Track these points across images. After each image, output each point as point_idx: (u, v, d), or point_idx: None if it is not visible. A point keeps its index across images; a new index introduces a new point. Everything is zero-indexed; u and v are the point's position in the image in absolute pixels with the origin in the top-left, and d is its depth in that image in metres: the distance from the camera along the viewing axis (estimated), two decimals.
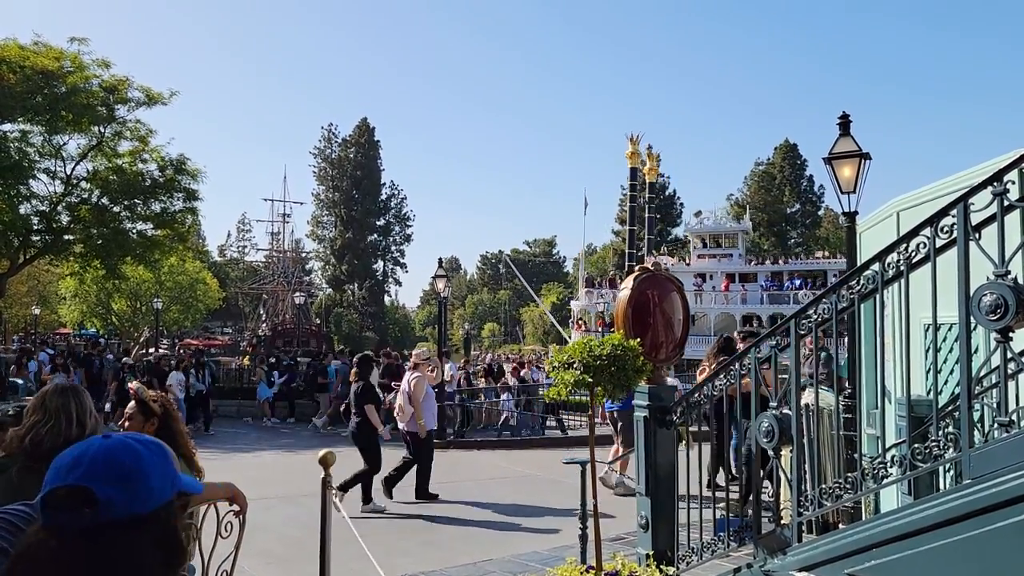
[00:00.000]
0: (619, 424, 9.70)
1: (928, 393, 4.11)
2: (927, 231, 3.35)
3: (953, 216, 3.20)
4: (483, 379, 22.24)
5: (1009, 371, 3.12)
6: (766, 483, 5.66)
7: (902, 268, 3.51)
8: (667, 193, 73.47)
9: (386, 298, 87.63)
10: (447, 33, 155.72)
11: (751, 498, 4.65)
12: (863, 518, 4.76)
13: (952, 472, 3.72)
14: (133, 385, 3.73)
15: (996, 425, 3.15)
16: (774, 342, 4.52)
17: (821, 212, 71.98)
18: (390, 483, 9.27)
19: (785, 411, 4.25)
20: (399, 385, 17.59)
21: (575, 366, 4.73)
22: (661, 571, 4.76)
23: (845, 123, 8.98)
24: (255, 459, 14.17)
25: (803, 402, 4.96)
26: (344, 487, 8.46)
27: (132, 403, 3.56)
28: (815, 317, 4.07)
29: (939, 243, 3.31)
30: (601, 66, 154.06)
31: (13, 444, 2.88)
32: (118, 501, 1.11)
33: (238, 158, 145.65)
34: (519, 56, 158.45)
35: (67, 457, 1.16)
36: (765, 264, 52.02)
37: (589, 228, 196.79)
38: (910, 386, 3.65)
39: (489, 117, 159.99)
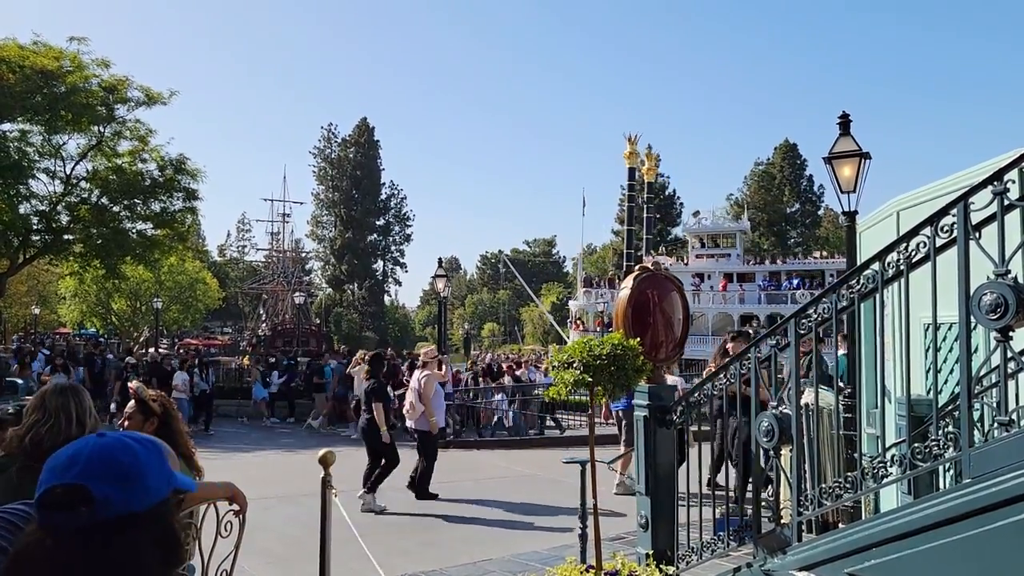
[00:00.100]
0: (623, 423, 9.71)
1: (928, 392, 4.11)
2: (927, 230, 3.35)
3: (953, 215, 3.20)
4: (483, 379, 22.23)
5: (1009, 370, 3.12)
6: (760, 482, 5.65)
7: (902, 267, 3.51)
8: (667, 193, 73.46)
9: (386, 298, 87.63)
10: (447, 33, 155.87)
11: (750, 496, 4.65)
12: (863, 517, 4.76)
13: (952, 471, 3.72)
14: (133, 384, 3.72)
15: (996, 424, 3.15)
16: (774, 341, 4.52)
17: (821, 212, 71.99)
18: (368, 480, 9.26)
19: (784, 410, 4.25)
20: (396, 384, 17.67)
21: (575, 366, 4.73)
22: (661, 570, 4.76)
23: (845, 123, 8.99)
24: (255, 459, 14.16)
25: (803, 402, 4.96)
26: (371, 487, 8.79)
27: (132, 402, 3.56)
28: (815, 317, 4.07)
29: (939, 242, 3.31)
30: (601, 66, 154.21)
31: (13, 443, 2.88)
32: (115, 499, 1.10)
33: (238, 158, 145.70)
34: (519, 56, 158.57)
35: (62, 456, 1.16)
36: (763, 264, 52.04)
37: (589, 228, 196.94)
38: (910, 385, 3.65)
39: (489, 117, 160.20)
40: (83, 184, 24.41)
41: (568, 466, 6.03)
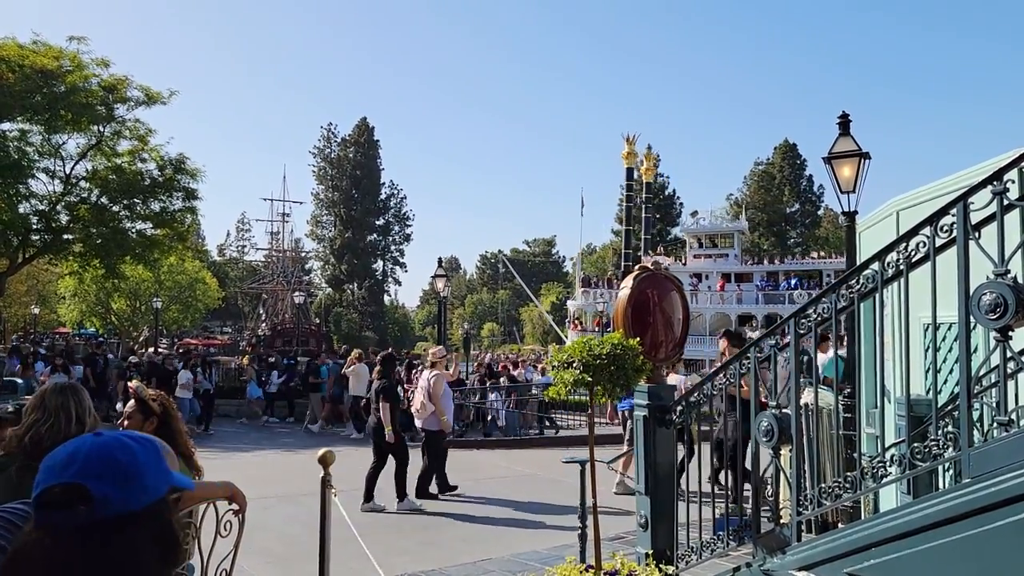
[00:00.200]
0: (627, 422, 9.73)
1: (927, 392, 4.11)
2: (927, 230, 3.35)
3: (953, 215, 3.20)
4: (489, 380, 22.17)
5: (1008, 370, 3.12)
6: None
7: (902, 267, 3.51)
8: (667, 193, 73.43)
9: (386, 298, 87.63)
10: (447, 34, 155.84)
11: (747, 495, 4.65)
12: (862, 517, 4.77)
13: (951, 471, 3.72)
14: (132, 384, 3.73)
15: (995, 424, 3.15)
16: (773, 341, 4.52)
17: (821, 212, 72.00)
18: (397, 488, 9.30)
19: (784, 410, 4.26)
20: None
21: (575, 365, 4.73)
22: (660, 570, 4.76)
23: (845, 123, 9.00)
24: (255, 458, 14.16)
25: (802, 401, 4.96)
26: (400, 494, 8.92)
27: (131, 402, 3.55)
28: (815, 317, 4.07)
29: (939, 242, 3.31)
30: (601, 66, 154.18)
31: (12, 443, 2.88)
32: (113, 498, 1.10)
33: (237, 157, 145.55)
34: (518, 56, 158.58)
35: (60, 455, 1.15)
36: (761, 264, 52.08)
37: (589, 228, 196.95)
38: (909, 385, 3.65)
39: (489, 117, 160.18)
40: (83, 184, 24.40)
41: (568, 466, 6.03)
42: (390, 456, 9.12)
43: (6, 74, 21.10)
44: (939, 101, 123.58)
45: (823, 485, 4.04)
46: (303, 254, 77.90)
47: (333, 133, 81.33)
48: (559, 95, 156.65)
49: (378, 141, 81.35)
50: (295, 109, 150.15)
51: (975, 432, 3.40)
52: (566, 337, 50.88)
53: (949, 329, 4.15)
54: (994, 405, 3.34)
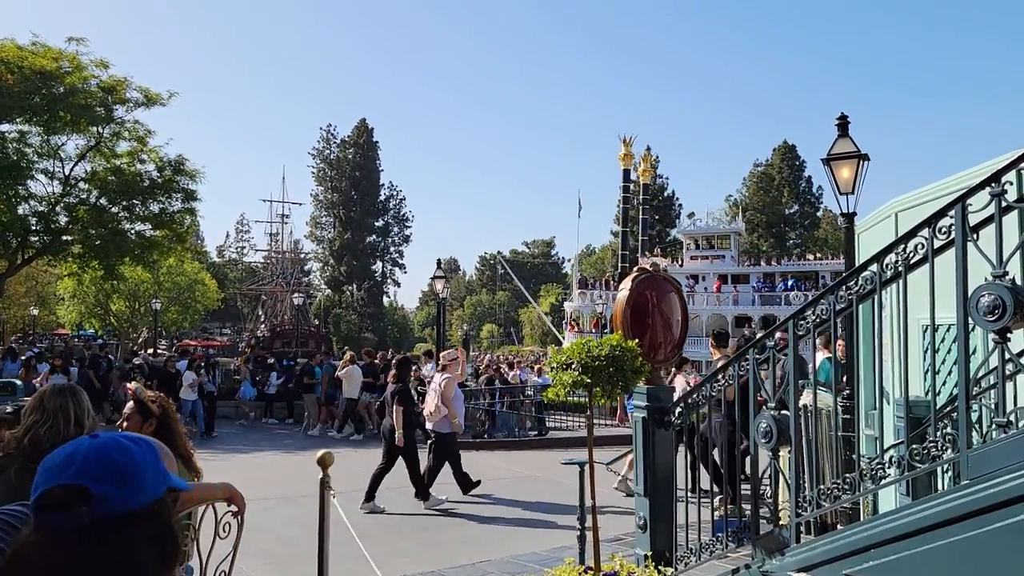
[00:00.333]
0: None
1: (926, 394, 4.11)
2: (925, 232, 3.36)
3: (951, 217, 3.21)
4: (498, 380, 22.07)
5: (1007, 372, 3.12)
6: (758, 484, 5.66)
7: (900, 269, 3.51)
8: (666, 194, 73.45)
9: (385, 299, 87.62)
10: (447, 34, 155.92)
11: (741, 495, 4.66)
12: (861, 519, 4.77)
13: (950, 473, 3.72)
14: (131, 385, 3.72)
15: (994, 426, 3.15)
16: (772, 343, 4.52)
17: (820, 213, 72.03)
18: (418, 487, 9.35)
19: (783, 412, 4.26)
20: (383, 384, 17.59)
21: (573, 367, 4.73)
22: (659, 572, 4.77)
23: (844, 124, 9.00)
24: (253, 460, 14.15)
25: (801, 403, 4.96)
26: (422, 495, 9.07)
27: (130, 403, 3.55)
28: (813, 318, 4.07)
29: (937, 244, 3.31)
30: (601, 67, 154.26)
31: (11, 444, 2.88)
32: (113, 497, 1.11)
33: (236, 159, 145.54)
34: (518, 57, 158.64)
35: (57, 457, 1.16)
36: (758, 265, 52.14)
37: (589, 229, 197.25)
38: (908, 387, 3.65)
39: (488, 118, 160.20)
40: (82, 185, 24.38)
41: (567, 467, 6.04)
42: (399, 460, 9.18)
43: (5, 75, 21.09)
44: (939, 101, 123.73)
45: (822, 487, 4.04)
46: (302, 255, 78.00)
47: (332, 134, 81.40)
48: (559, 95, 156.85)
49: (377, 142, 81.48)
50: (295, 109, 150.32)
51: (974, 434, 3.40)
52: (563, 339, 50.93)
53: (948, 331, 4.16)
54: (993, 407, 3.34)
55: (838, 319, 3.99)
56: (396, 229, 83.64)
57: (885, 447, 4.12)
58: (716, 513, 5.30)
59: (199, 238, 66.84)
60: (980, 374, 3.47)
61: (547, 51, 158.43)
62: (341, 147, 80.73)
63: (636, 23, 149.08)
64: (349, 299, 79.89)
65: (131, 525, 1.12)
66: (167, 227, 25.25)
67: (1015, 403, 3.65)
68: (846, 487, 3.77)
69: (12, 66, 21.32)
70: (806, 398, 5.63)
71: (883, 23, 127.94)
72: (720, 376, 4.86)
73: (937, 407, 3.45)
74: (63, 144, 23.79)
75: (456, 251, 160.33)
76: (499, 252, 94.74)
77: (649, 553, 5.05)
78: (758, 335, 5.22)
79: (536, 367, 24.31)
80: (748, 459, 4.81)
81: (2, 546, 1.30)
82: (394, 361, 10.96)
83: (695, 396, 5.09)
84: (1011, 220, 3.07)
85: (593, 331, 42.75)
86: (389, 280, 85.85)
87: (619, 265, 48.29)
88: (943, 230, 3.26)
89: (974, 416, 3.55)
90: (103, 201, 24.31)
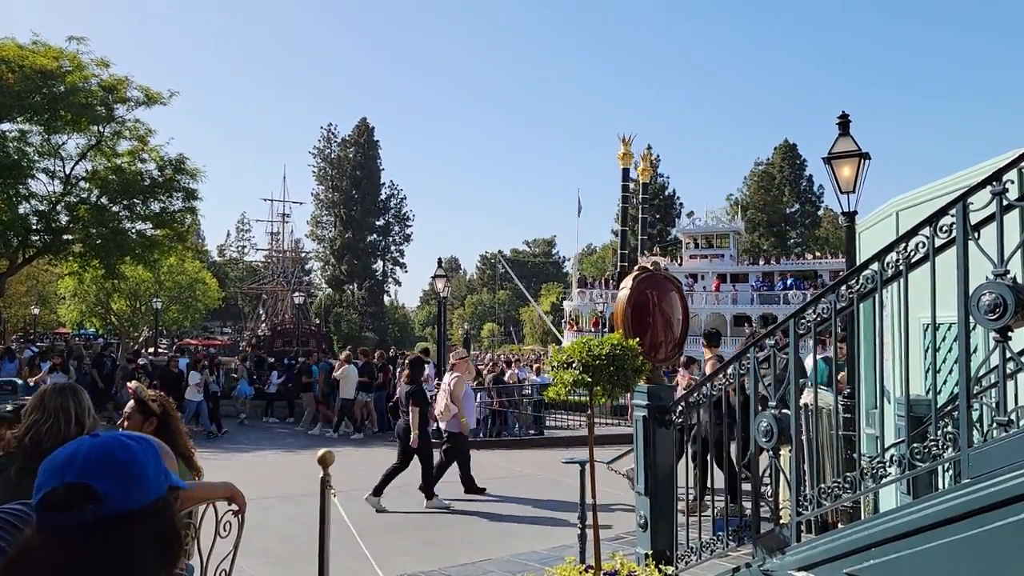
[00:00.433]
0: None
1: (927, 393, 4.11)
2: (926, 231, 3.36)
3: (952, 216, 3.20)
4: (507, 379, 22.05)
5: (1008, 371, 3.12)
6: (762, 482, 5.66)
7: (901, 268, 3.51)
8: (667, 193, 73.43)
9: (385, 298, 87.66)
10: (447, 34, 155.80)
11: (742, 495, 4.66)
12: (862, 518, 4.77)
13: (951, 471, 3.72)
14: (132, 384, 3.72)
15: (995, 425, 3.15)
16: (773, 341, 4.52)
17: (820, 212, 72.01)
18: (426, 485, 9.36)
19: (784, 411, 4.26)
20: (385, 383, 17.58)
21: (574, 366, 4.73)
22: (660, 571, 4.76)
23: (844, 123, 9.00)
24: (254, 459, 14.16)
25: (802, 402, 4.96)
26: (428, 493, 9.08)
27: (131, 402, 3.55)
28: (814, 317, 4.07)
29: (938, 243, 3.31)
30: (601, 66, 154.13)
31: (12, 443, 2.88)
32: (115, 496, 1.10)
33: (237, 158, 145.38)
34: (517, 57, 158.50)
35: (58, 457, 1.16)
36: (757, 264, 52.11)
37: (590, 228, 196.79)
38: (909, 386, 3.65)
39: (489, 117, 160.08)
40: (82, 184, 24.36)
41: (567, 466, 6.04)
42: (414, 459, 9.21)
43: (6, 74, 21.08)
44: (939, 101, 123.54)
45: (823, 485, 4.04)
46: (303, 254, 78.06)
47: (333, 133, 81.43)
48: (559, 95, 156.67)
49: (378, 141, 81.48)
50: (295, 109, 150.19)
51: (975, 432, 3.40)
52: (563, 338, 50.92)
53: (949, 329, 4.15)
54: (993, 405, 3.34)
55: (838, 318, 4.00)
56: (397, 228, 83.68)
57: (886, 446, 4.12)
58: (717, 511, 5.30)
59: (200, 237, 66.80)
60: (981, 373, 3.48)
61: (547, 51, 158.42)
62: (342, 146, 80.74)
63: (636, 23, 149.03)
64: (350, 298, 79.91)
65: (133, 524, 1.12)
66: (168, 226, 25.24)
67: (1016, 402, 3.65)
68: (847, 486, 3.77)
69: (13, 65, 21.31)
70: (807, 397, 5.63)
71: (883, 23, 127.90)
72: (720, 376, 4.86)
73: (938, 406, 3.45)
74: (64, 143, 23.79)
75: (457, 250, 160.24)
76: (500, 251, 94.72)
77: (650, 552, 5.05)
78: (760, 334, 5.22)
79: (535, 366, 24.31)
80: (740, 457, 4.81)
81: (3, 545, 1.30)
82: (406, 361, 10.94)
83: (695, 396, 5.09)
84: (1012, 219, 3.07)
85: (592, 330, 42.73)
86: (390, 279, 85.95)
87: (619, 264, 48.32)
88: (944, 229, 3.26)
89: (975, 415, 3.55)
90: (104, 200, 24.30)
